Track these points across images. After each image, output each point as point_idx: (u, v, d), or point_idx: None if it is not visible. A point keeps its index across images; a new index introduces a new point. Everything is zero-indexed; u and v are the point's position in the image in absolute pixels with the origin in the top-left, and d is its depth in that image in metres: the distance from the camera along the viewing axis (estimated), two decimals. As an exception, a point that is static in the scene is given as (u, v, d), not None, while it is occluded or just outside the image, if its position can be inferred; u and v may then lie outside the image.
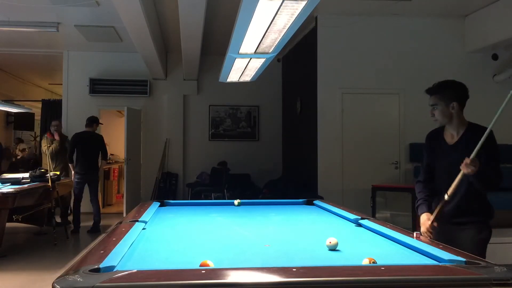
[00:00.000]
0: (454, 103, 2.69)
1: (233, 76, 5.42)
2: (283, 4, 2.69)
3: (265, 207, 3.85)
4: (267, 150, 9.35)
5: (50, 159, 7.06)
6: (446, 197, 2.49)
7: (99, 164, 7.16)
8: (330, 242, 2.18)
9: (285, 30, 3.24)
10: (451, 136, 2.75)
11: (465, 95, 2.71)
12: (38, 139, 11.11)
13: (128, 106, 8.50)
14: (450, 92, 2.68)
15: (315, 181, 6.79)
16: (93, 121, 7.16)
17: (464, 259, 1.84)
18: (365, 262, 1.85)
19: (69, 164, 7.07)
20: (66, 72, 8.93)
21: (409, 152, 6.79)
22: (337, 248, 2.18)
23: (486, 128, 2.52)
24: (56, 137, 7.31)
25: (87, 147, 6.94)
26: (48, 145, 7.11)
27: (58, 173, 6.36)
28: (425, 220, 2.60)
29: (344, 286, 1.57)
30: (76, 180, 6.91)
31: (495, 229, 2.84)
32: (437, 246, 2.09)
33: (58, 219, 6.52)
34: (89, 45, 8.28)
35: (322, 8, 6.46)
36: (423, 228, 2.58)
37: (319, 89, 6.82)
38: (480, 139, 2.45)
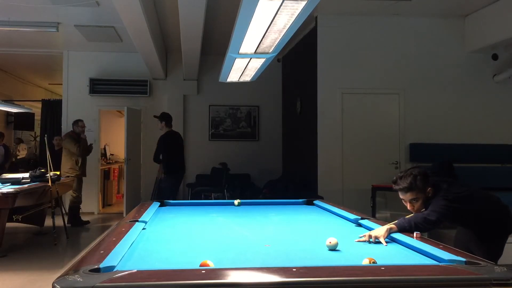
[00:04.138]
0: (429, 189, 2.72)
1: (233, 76, 5.42)
2: (283, 4, 2.69)
3: (265, 207, 3.85)
4: (267, 150, 9.35)
5: (79, 159, 7.24)
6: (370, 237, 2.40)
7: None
8: (330, 242, 2.18)
9: (285, 30, 3.24)
10: None
11: (429, 177, 2.75)
12: (38, 139, 11.10)
13: (128, 106, 8.50)
14: (423, 182, 2.70)
15: (315, 181, 6.78)
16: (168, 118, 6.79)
17: (464, 259, 1.84)
18: (365, 262, 1.85)
19: (160, 165, 6.69)
20: (66, 72, 8.93)
21: (409, 152, 6.79)
22: (337, 248, 2.18)
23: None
24: (83, 136, 7.40)
25: (176, 146, 6.68)
26: (78, 145, 7.20)
27: (58, 173, 6.36)
28: (383, 229, 2.42)
29: (344, 286, 1.57)
30: (170, 181, 6.54)
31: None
32: (437, 246, 2.09)
33: (59, 220, 6.47)
34: (89, 45, 8.28)
35: (322, 8, 6.46)
36: (374, 232, 2.41)
37: (319, 89, 6.82)
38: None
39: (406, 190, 2.72)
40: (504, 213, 2.86)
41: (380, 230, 2.40)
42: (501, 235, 2.84)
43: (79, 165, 7.28)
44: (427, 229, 2.61)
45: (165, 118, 6.63)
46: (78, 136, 7.34)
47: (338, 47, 6.87)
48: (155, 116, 6.81)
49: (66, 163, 7.22)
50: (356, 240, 2.36)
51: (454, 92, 6.93)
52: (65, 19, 6.78)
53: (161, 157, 6.60)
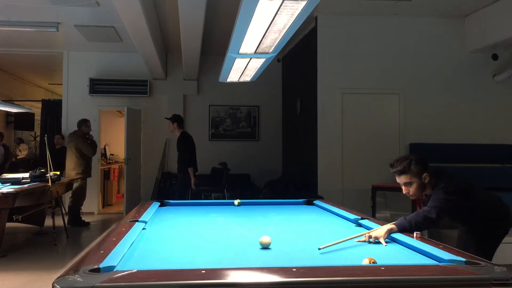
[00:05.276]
0: (425, 174, 2.77)
1: (233, 76, 5.42)
2: (283, 4, 2.69)
3: (265, 207, 3.86)
4: (267, 150, 9.35)
5: (89, 160, 7.35)
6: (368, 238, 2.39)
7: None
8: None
9: (285, 30, 3.24)
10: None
11: (426, 163, 2.80)
12: (38, 139, 11.11)
13: (128, 106, 8.51)
14: (418, 167, 2.76)
15: (315, 181, 6.78)
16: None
17: (464, 259, 1.84)
18: (365, 262, 1.85)
19: (189, 169, 6.52)
20: (66, 72, 8.93)
21: (409, 152, 6.77)
22: (336, 248, 2.18)
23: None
24: (91, 136, 7.51)
25: (193, 145, 6.76)
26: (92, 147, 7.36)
27: (58, 173, 6.36)
28: (383, 229, 2.41)
29: (344, 286, 1.57)
30: (185, 180, 6.62)
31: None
32: (437, 246, 2.09)
33: (59, 220, 6.48)
34: (89, 45, 8.28)
35: (322, 8, 6.46)
36: (374, 233, 2.39)
37: (319, 89, 6.82)
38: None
39: (400, 172, 2.78)
40: (504, 211, 2.86)
41: (380, 231, 2.40)
42: (499, 234, 2.84)
43: (90, 165, 7.38)
44: (428, 227, 2.62)
45: (177, 119, 6.71)
46: (84, 136, 7.36)
47: (338, 47, 6.87)
48: (166, 118, 6.86)
49: (79, 165, 7.16)
50: (356, 240, 2.36)
51: (454, 92, 6.93)
52: (65, 19, 6.77)
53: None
